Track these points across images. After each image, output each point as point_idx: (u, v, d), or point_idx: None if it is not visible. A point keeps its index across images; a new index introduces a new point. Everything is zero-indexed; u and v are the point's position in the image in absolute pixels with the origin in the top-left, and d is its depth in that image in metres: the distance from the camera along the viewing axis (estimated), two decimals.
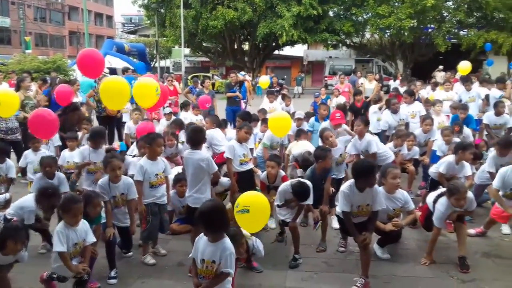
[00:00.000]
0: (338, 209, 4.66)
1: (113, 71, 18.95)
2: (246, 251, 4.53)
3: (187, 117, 9.27)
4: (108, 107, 9.01)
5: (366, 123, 7.03)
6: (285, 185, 5.09)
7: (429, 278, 4.63)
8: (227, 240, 3.45)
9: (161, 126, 8.76)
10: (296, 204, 4.99)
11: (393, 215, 4.97)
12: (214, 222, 3.41)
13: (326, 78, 32.27)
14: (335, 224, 5.62)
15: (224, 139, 7.15)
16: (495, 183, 5.32)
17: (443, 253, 5.11)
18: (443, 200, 4.88)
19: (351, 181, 4.55)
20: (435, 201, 4.98)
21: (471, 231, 5.61)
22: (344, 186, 4.56)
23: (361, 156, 6.55)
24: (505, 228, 5.75)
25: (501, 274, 4.69)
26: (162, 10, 34.22)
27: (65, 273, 4.01)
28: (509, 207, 5.10)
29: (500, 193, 5.38)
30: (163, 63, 44.01)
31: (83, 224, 4.11)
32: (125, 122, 10.92)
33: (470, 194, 4.90)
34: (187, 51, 38.42)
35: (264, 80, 14.93)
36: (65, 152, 6.85)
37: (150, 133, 5.68)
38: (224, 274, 3.41)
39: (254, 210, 3.78)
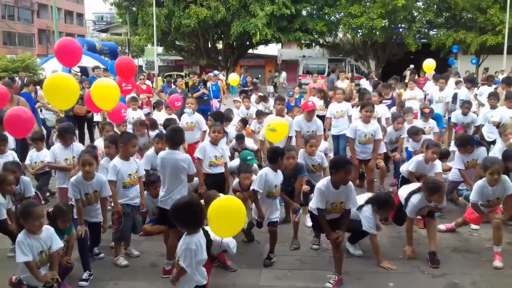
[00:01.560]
0: (312, 205, 4.69)
1: (84, 70, 18.57)
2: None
3: (160, 117, 9.16)
4: (54, 107, 8.42)
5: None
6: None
7: (401, 273, 4.71)
8: (194, 236, 3.37)
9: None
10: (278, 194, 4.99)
11: None
12: (185, 217, 3.38)
13: (300, 77, 32.46)
14: (308, 222, 5.66)
15: None
16: (473, 197, 5.11)
17: (414, 249, 5.20)
18: (417, 195, 4.95)
19: (327, 178, 4.59)
20: (407, 198, 5.05)
21: (441, 226, 5.73)
22: (320, 183, 4.57)
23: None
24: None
25: (470, 268, 4.81)
26: (134, 8, 33.79)
27: (34, 282, 3.90)
28: (487, 212, 5.16)
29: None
30: (135, 62, 43.43)
31: (47, 231, 3.98)
32: (97, 122, 10.74)
33: None
34: (160, 49, 38.06)
35: (233, 78, 14.86)
36: (33, 153, 6.70)
37: (125, 133, 5.60)
38: (181, 268, 3.34)
39: (217, 226, 3.68)
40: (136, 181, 4.99)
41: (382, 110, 8.61)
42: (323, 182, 4.56)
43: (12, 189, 4.83)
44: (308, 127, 7.24)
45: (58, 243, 4.04)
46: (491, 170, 4.90)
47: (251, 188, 4.99)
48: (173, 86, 12.35)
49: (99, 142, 7.07)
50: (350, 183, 4.56)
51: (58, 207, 4.43)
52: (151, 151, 6.15)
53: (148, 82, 12.81)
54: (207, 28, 32.53)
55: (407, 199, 5.02)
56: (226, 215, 3.59)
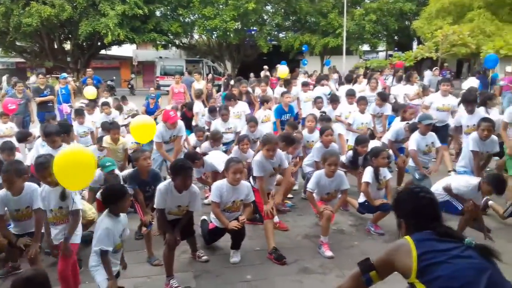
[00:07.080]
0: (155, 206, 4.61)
1: None
2: None
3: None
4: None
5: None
6: None
7: (256, 265, 4.92)
8: None
9: None
10: None
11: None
12: None
13: (157, 79, 31.92)
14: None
15: None
16: (310, 185, 5.38)
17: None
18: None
19: (168, 180, 4.58)
20: None
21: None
22: (162, 185, 4.56)
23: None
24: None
25: (317, 252, 5.21)
26: None
27: None
28: (321, 204, 5.39)
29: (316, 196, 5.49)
30: None
31: None
32: None
33: None
34: None
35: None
36: None
37: None
38: None
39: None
40: None
41: (243, 108, 9.16)
42: (165, 183, 4.56)
43: None
44: (171, 133, 7.05)
45: None
46: (329, 162, 5.33)
47: None
48: (13, 91, 11.16)
49: None
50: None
51: None
52: None
53: None
54: (52, 28, 30.08)
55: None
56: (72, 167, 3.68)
